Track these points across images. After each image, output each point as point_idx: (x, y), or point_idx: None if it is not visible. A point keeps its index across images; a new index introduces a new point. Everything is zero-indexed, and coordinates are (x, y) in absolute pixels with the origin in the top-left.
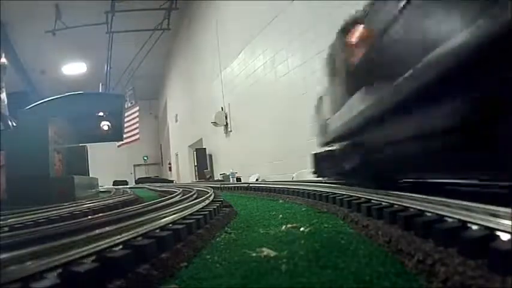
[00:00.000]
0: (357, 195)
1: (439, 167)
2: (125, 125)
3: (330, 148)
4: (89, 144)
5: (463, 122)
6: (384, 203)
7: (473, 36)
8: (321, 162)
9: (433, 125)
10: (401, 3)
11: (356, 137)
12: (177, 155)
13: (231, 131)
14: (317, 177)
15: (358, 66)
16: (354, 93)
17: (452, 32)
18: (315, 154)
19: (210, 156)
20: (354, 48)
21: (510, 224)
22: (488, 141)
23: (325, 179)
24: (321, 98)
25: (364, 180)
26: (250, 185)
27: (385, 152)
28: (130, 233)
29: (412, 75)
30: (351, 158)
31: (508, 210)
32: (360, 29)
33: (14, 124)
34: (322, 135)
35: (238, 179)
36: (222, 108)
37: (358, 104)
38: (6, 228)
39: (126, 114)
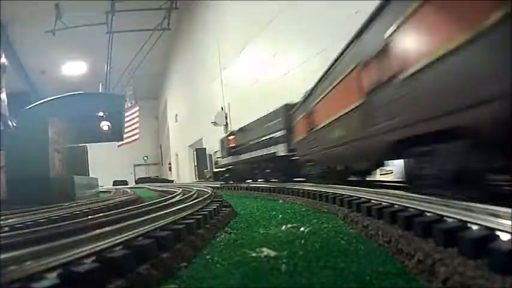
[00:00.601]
0: (356, 195)
1: (254, 175)
2: (125, 125)
3: (218, 170)
4: (89, 144)
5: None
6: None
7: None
8: (216, 175)
9: (251, 167)
10: (246, 134)
11: (228, 166)
12: (177, 155)
13: (230, 130)
14: (213, 181)
15: (229, 147)
16: (228, 155)
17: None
18: (213, 171)
19: (210, 156)
20: (229, 141)
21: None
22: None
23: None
24: (215, 152)
25: (232, 180)
26: (250, 185)
27: (239, 171)
28: (130, 233)
29: (248, 157)
30: (227, 173)
31: None
32: (232, 136)
33: (14, 124)
34: (215, 164)
35: None
36: (222, 108)
37: (231, 158)
38: (6, 228)
39: (126, 114)
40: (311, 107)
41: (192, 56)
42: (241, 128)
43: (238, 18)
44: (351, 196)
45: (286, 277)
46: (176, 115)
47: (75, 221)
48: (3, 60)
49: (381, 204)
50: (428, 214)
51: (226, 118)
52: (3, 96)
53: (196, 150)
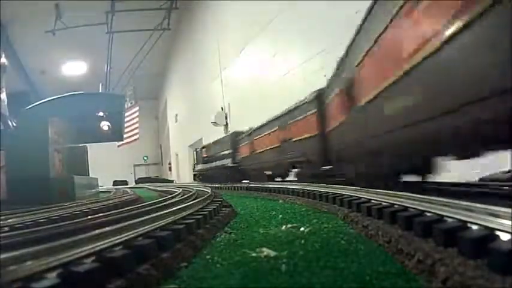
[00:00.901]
0: (356, 195)
1: (215, 178)
2: (125, 125)
3: (196, 172)
4: (89, 144)
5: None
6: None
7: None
8: (203, 175)
9: (213, 172)
10: (211, 149)
11: (203, 170)
12: (177, 155)
13: (230, 131)
14: (194, 180)
15: (204, 157)
16: (201, 163)
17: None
18: (194, 174)
19: None
20: (203, 152)
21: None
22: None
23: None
24: (195, 162)
25: (207, 181)
26: (250, 185)
27: (207, 174)
28: (130, 233)
29: (212, 165)
30: (200, 176)
31: None
32: (204, 149)
33: (14, 124)
34: (193, 169)
35: None
36: (222, 108)
37: (202, 165)
38: (6, 228)
39: (126, 114)
40: (253, 140)
41: (192, 56)
42: (207, 144)
43: (238, 18)
44: (351, 196)
45: (286, 277)
46: (176, 115)
47: (75, 221)
48: (3, 60)
49: (380, 204)
50: (428, 214)
51: (226, 118)
52: (3, 96)
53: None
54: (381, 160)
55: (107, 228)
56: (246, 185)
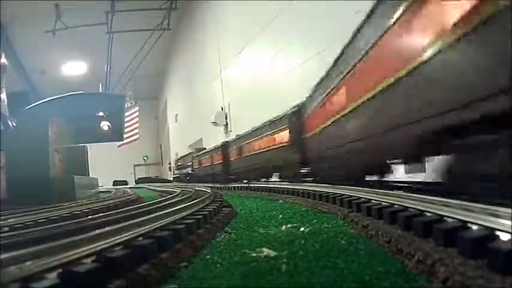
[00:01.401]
0: (356, 195)
1: (185, 180)
2: (125, 125)
3: (174, 175)
4: (89, 144)
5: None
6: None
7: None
8: (178, 177)
9: (183, 176)
10: (183, 160)
11: (178, 174)
12: (177, 155)
13: (231, 131)
14: (173, 181)
15: (178, 165)
16: (177, 169)
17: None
18: (173, 177)
19: None
20: (178, 161)
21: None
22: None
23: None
24: (173, 167)
25: (181, 182)
26: (250, 184)
27: (181, 178)
28: (130, 232)
29: (183, 171)
30: (177, 178)
31: None
32: (180, 159)
33: (14, 124)
34: (173, 173)
35: None
36: (222, 108)
37: (179, 171)
38: (6, 228)
39: (126, 114)
40: (201, 158)
41: (192, 56)
42: (181, 156)
43: (238, 18)
44: (351, 196)
45: (286, 277)
46: (176, 115)
47: (75, 221)
48: (3, 60)
49: (380, 204)
50: (428, 214)
51: (226, 118)
52: (3, 96)
53: (196, 150)
54: (258, 170)
55: (107, 228)
56: (246, 185)
